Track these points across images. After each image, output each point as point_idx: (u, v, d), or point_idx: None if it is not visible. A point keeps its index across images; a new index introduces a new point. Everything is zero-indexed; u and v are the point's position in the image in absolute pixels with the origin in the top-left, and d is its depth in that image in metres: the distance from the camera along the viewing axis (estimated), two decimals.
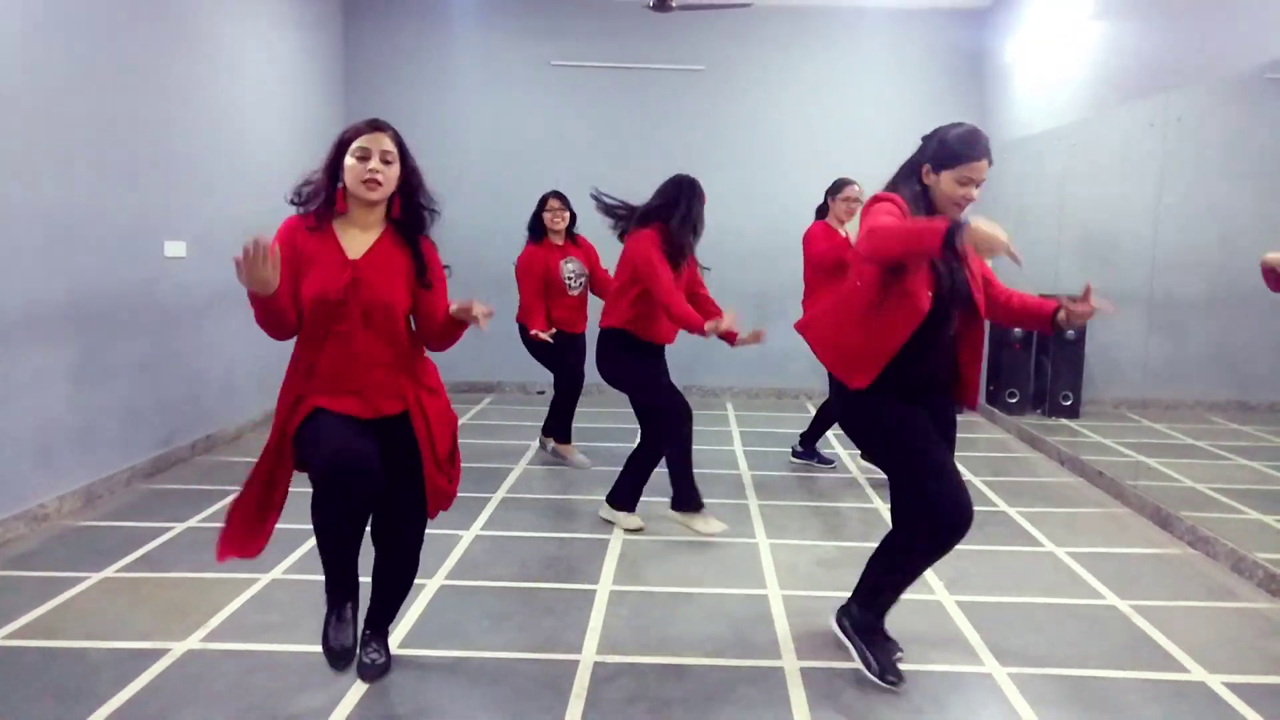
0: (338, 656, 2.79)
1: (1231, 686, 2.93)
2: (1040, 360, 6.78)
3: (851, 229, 5.03)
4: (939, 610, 3.49)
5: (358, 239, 2.61)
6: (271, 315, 2.49)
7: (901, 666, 2.94)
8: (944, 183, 2.63)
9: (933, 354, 2.74)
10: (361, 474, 2.47)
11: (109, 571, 3.68)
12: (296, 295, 2.55)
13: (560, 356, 5.34)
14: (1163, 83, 5.12)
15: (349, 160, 2.54)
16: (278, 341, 2.66)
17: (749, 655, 3.08)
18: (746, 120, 7.90)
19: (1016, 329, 6.82)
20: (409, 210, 2.65)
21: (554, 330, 5.16)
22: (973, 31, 7.80)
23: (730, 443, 6.31)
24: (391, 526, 2.75)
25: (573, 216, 5.35)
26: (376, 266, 2.59)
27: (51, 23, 4.26)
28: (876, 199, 2.69)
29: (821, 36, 7.83)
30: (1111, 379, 6.28)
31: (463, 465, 5.36)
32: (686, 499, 4.36)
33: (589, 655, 3.05)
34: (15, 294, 4.06)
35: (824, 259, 4.91)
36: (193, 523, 4.32)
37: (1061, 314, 2.72)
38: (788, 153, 7.74)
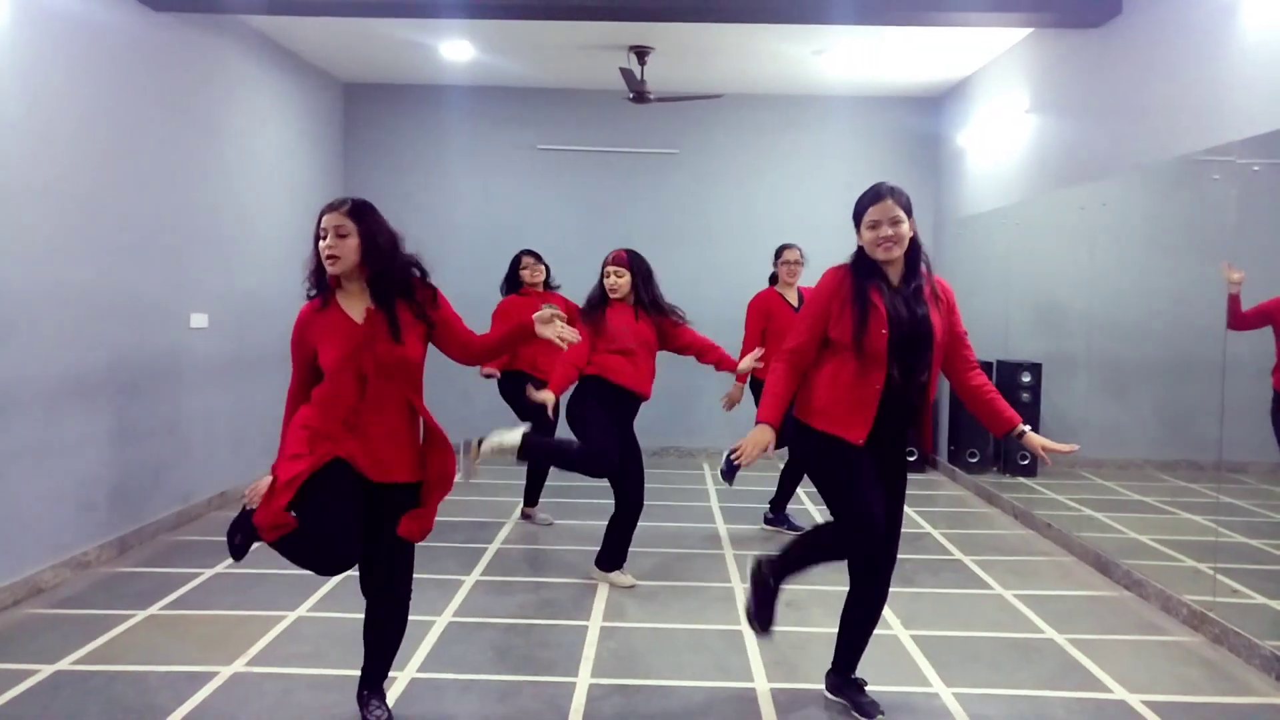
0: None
1: (1149, 704, 3.37)
2: None
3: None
4: (895, 643, 3.92)
5: (357, 307, 2.84)
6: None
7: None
8: (863, 235, 3.04)
9: (910, 391, 3.02)
10: (337, 568, 2.76)
11: (153, 610, 4.09)
12: (317, 371, 2.83)
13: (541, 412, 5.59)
14: (1086, 168, 5.73)
15: (320, 242, 2.80)
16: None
17: (725, 678, 3.50)
18: (719, 199, 8.53)
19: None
20: (374, 272, 2.81)
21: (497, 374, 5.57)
22: (927, 117, 8.49)
23: (707, 500, 6.76)
24: (382, 581, 2.94)
25: (547, 270, 5.77)
26: (379, 324, 2.80)
27: (91, 125, 4.78)
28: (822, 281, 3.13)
29: (788, 121, 8.50)
30: (1065, 439, 6.70)
31: (458, 519, 5.82)
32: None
33: (584, 678, 3.46)
34: (62, 364, 4.51)
35: (754, 326, 5.70)
36: (219, 569, 4.72)
37: (1021, 432, 3.11)
38: (757, 229, 8.32)
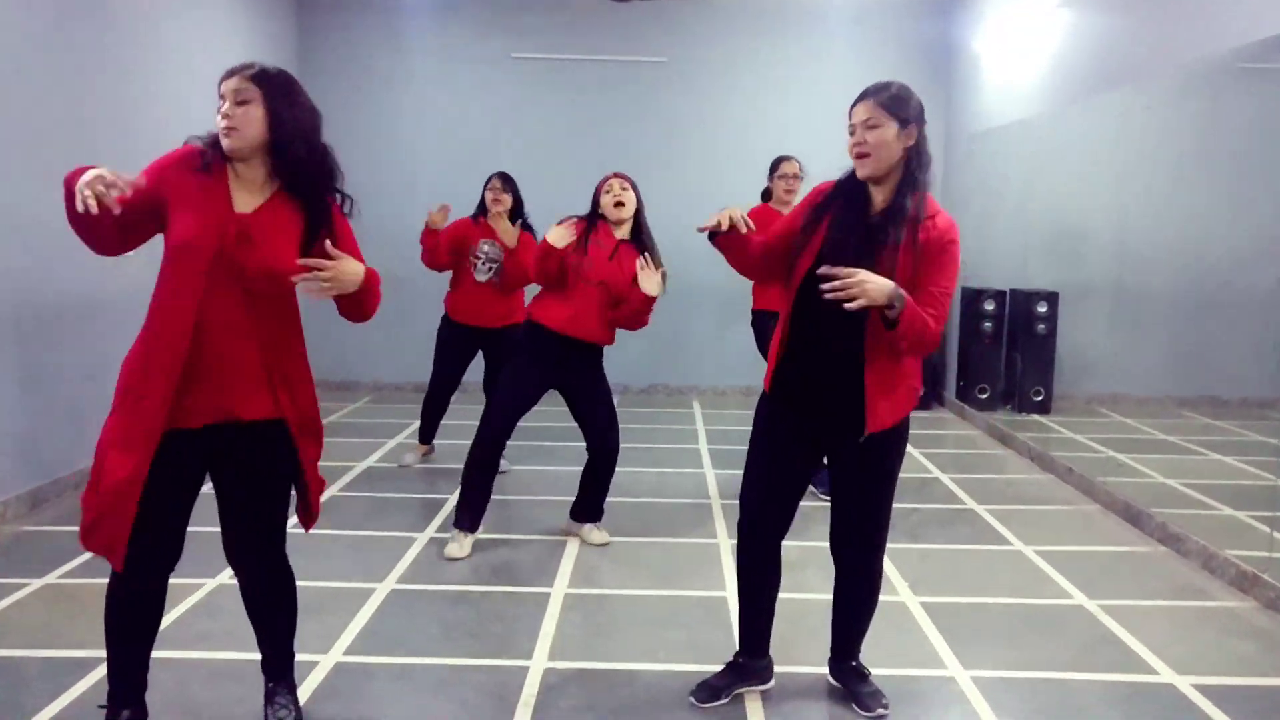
0: None
1: (1201, 688, 2.86)
2: (1011, 355, 6.73)
3: None
4: (903, 612, 3.41)
5: (247, 198, 2.25)
6: (87, 228, 2.16)
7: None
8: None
9: (819, 352, 2.49)
10: (165, 566, 2.33)
11: (51, 578, 3.55)
12: (149, 228, 2.25)
13: (446, 353, 5.19)
14: (1130, 72, 5.06)
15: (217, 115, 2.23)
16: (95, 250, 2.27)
17: (703, 660, 2.97)
18: (710, 112, 7.80)
19: (986, 324, 6.78)
20: (282, 160, 2.24)
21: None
22: (939, 22, 7.72)
23: (695, 441, 6.22)
24: (249, 544, 2.39)
25: (517, 203, 5.02)
26: (263, 225, 2.22)
27: None
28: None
29: (786, 27, 7.75)
30: (1083, 374, 6.24)
31: (423, 466, 5.29)
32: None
33: (539, 662, 2.94)
34: None
35: None
36: None
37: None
38: (752, 145, 7.57)
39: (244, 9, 6.65)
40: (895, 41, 7.74)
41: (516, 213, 5.02)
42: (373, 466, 5.34)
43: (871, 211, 2.45)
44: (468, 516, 3.91)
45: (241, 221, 2.21)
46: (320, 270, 2.17)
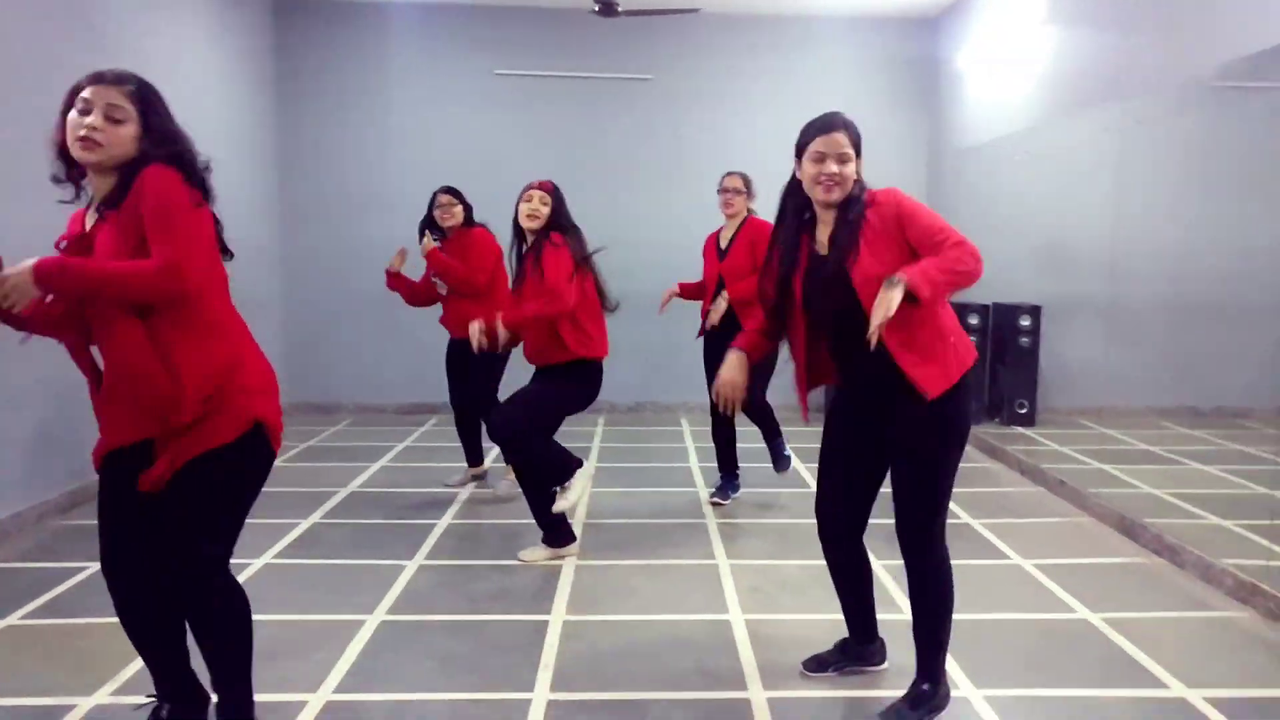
0: None
1: (1214, 701, 2.81)
2: (995, 368, 6.72)
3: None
4: (907, 631, 3.33)
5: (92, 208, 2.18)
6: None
7: (876, 693, 2.84)
8: (804, 167, 2.61)
9: (854, 352, 2.53)
10: (120, 576, 2.30)
11: (13, 619, 3.38)
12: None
13: (448, 369, 5.23)
14: (1117, 88, 5.07)
15: (71, 114, 2.09)
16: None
17: (712, 687, 2.90)
18: (696, 130, 7.78)
19: (972, 338, 6.77)
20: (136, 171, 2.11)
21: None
22: (924, 40, 7.77)
23: (686, 459, 6.15)
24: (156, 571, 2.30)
25: (467, 209, 5.09)
26: (98, 244, 2.13)
27: None
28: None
29: (772, 45, 7.75)
30: (1066, 387, 6.25)
31: (406, 490, 5.17)
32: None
33: (541, 694, 2.85)
34: None
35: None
36: None
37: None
38: (738, 163, 7.55)
39: (221, 21, 6.56)
40: (880, 59, 7.78)
41: (467, 221, 5.09)
42: (357, 491, 5.22)
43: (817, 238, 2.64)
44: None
45: (71, 244, 2.20)
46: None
